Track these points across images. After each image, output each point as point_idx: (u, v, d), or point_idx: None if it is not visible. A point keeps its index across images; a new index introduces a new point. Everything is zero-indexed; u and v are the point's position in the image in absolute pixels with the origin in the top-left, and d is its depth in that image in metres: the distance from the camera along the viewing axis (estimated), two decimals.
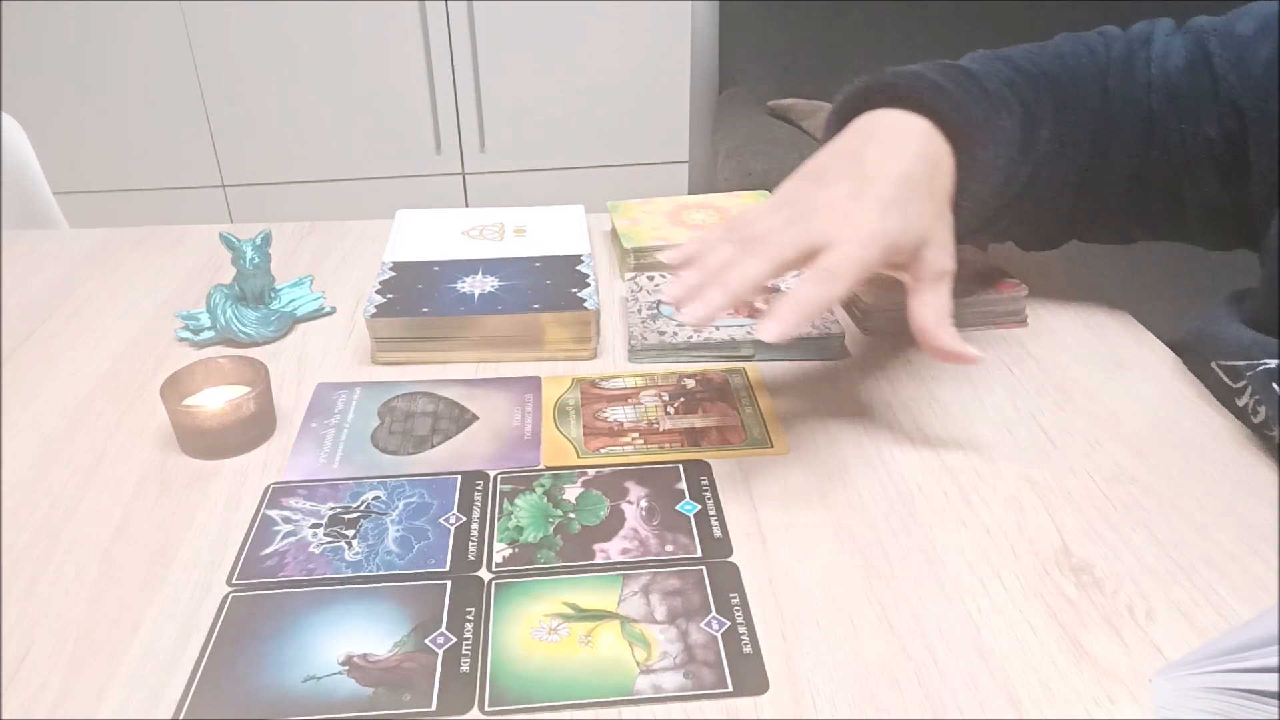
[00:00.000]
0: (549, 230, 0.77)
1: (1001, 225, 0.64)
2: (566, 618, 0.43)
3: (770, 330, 0.47)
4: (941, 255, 0.52)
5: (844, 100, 0.59)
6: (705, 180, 2.24)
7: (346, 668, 0.41)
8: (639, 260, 0.74)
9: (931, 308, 0.51)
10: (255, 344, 0.66)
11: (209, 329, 0.66)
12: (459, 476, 0.53)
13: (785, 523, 0.49)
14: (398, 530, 0.49)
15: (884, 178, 0.51)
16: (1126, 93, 0.61)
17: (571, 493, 0.52)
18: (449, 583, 0.46)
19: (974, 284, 0.67)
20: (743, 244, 0.50)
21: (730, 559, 0.47)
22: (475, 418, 0.58)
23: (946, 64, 0.59)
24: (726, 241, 0.51)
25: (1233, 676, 0.36)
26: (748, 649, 0.42)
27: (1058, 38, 0.65)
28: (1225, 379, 0.56)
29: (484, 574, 0.46)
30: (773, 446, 0.55)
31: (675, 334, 0.64)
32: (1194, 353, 0.61)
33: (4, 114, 1.17)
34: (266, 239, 0.66)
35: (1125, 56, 0.61)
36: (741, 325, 0.64)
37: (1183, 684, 0.38)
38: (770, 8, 2.06)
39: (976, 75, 0.59)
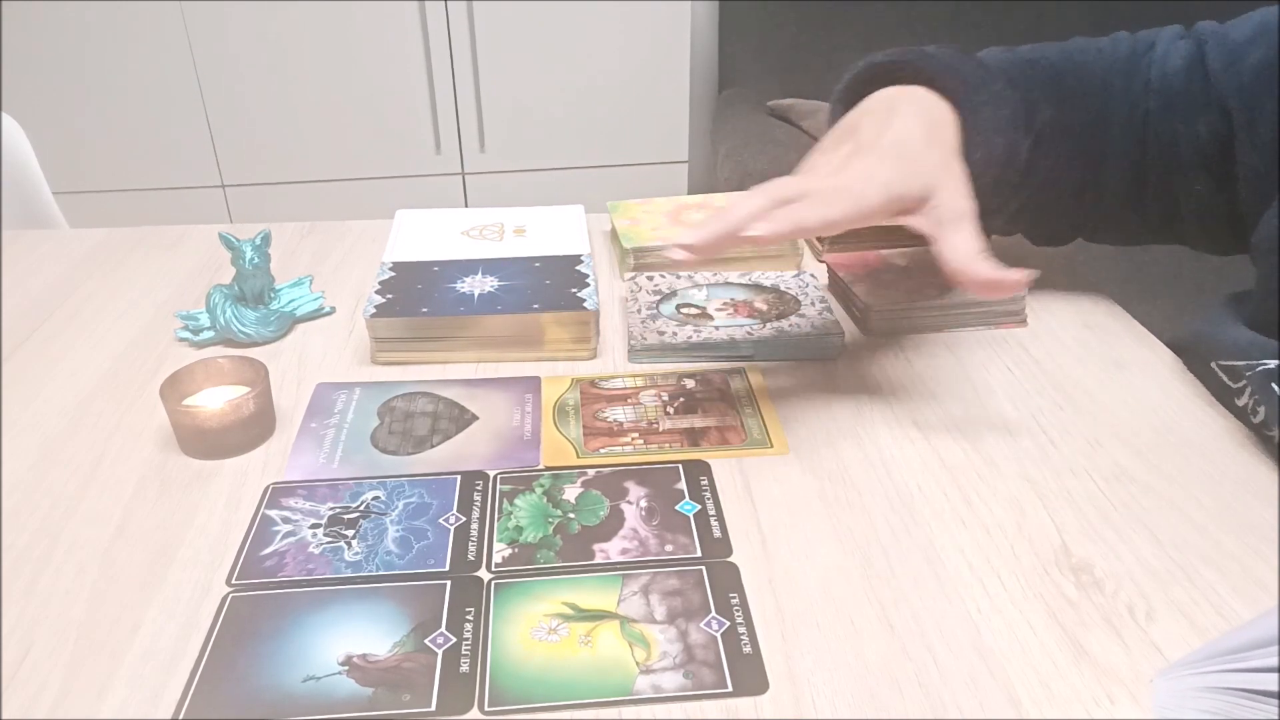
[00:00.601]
0: (549, 230, 0.77)
1: (1011, 211, 0.65)
2: (566, 618, 0.43)
3: (761, 227, 0.48)
4: (955, 197, 0.52)
5: (844, 88, 0.62)
6: (705, 180, 2.24)
7: (346, 668, 0.41)
8: (639, 260, 0.74)
9: (958, 248, 0.50)
10: (255, 344, 0.66)
11: (209, 329, 0.66)
12: (459, 476, 0.53)
13: (785, 523, 0.49)
14: (397, 530, 0.49)
15: (880, 140, 0.53)
16: (1128, 94, 0.62)
17: (571, 493, 0.52)
18: (448, 583, 0.46)
19: None
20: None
21: (730, 559, 0.47)
22: (475, 418, 0.58)
23: (944, 45, 0.61)
24: None
25: (1233, 676, 0.36)
26: (747, 649, 0.42)
27: (1072, 39, 0.66)
28: (1225, 379, 0.57)
29: (484, 574, 0.46)
30: (772, 446, 0.55)
31: (675, 334, 0.64)
32: (1193, 353, 0.62)
33: (4, 114, 1.17)
34: (266, 239, 0.66)
35: (1129, 59, 0.63)
36: (741, 325, 0.64)
37: (1183, 684, 0.38)
38: (770, 8, 2.06)
39: (974, 56, 0.61)
